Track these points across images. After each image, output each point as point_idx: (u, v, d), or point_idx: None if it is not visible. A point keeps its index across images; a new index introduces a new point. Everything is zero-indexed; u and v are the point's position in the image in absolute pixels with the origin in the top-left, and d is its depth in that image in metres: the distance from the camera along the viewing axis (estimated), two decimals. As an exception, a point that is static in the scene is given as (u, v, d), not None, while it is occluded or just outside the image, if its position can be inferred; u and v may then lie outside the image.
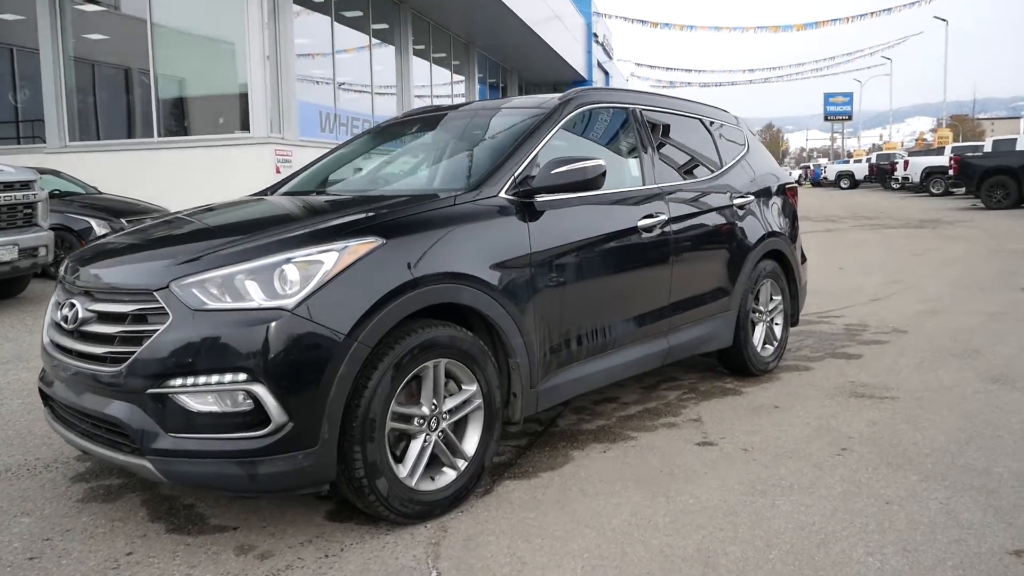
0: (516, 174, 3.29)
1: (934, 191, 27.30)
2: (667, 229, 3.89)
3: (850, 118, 61.18)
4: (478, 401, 3.01)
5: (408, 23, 18.78)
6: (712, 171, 4.48)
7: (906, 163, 29.63)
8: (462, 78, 24.24)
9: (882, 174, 34.67)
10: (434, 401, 2.86)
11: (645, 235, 3.75)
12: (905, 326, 6.12)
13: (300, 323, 2.50)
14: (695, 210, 4.15)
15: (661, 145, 4.21)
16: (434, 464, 2.93)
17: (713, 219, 4.28)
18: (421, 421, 2.83)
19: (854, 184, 39.85)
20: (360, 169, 4.13)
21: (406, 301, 2.70)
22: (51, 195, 10.73)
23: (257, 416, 2.49)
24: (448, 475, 2.93)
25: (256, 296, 2.53)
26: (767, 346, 4.83)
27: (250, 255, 2.61)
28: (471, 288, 2.93)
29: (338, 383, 2.54)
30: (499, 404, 3.08)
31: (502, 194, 3.21)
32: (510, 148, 3.40)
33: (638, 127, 4.03)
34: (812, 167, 52.78)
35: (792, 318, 5.09)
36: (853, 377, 4.64)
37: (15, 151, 14.23)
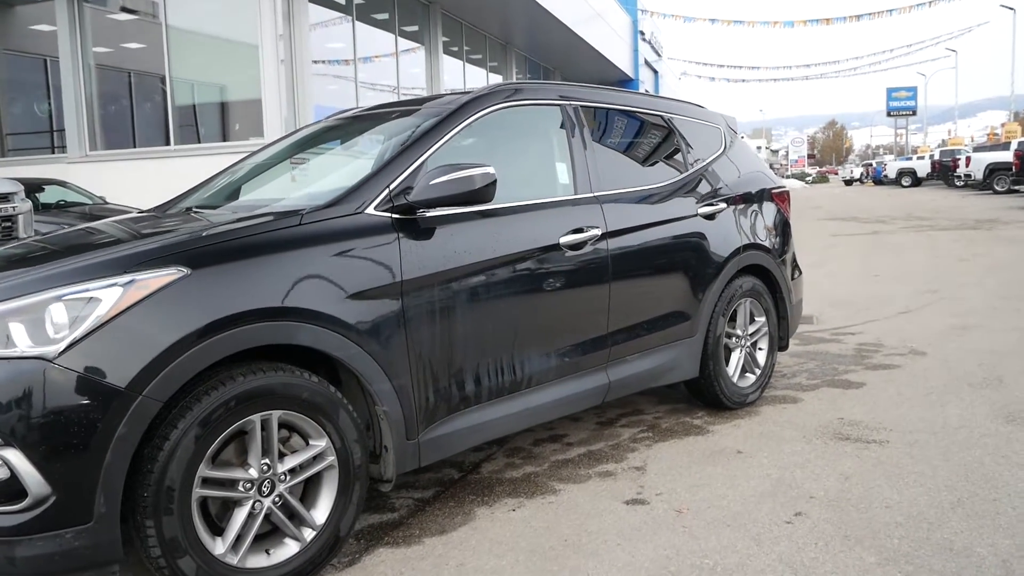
0: (392, 186, 2.77)
1: (998, 188, 25.68)
2: (603, 245, 3.32)
3: (914, 113, 58.49)
4: (330, 458, 2.51)
5: (439, 24, 18.40)
6: (674, 175, 3.88)
7: (968, 159, 27.98)
8: (499, 78, 23.79)
9: (945, 171, 32.92)
10: (266, 461, 2.37)
11: (571, 252, 3.19)
12: (926, 346, 5.39)
13: (63, 374, 2.04)
14: (645, 221, 3.57)
15: (605, 147, 3.64)
16: (275, 535, 2.45)
17: (670, 231, 3.69)
18: (248, 485, 2.34)
19: (916, 182, 38.00)
20: (251, 179, 3.65)
21: (214, 344, 2.21)
22: (57, 206, 10.67)
23: (11, 487, 2.04)
24: (290, 548, 2.44)
25: (21, 341, 2.07)
26: (747, 375, 4.20)
27: (18, 291, 2.16)
28: (312, 325, 2.43)
29: (116, 446, 2.07)
30: (360, 461, 2.57)
31: (370, 210, 2.70)
32: (388, 157, 2.89)
33: (573, 127, 3.46)
34: (874, 164, 50.74)
35: (781, 342, 4.44)
36: (845, 412, 3.99)
37: (39, 161, 14.32)
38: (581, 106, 3.55)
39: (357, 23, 15.62)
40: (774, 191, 4.45)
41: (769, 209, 4.38)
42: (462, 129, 3.06)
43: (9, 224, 7.51)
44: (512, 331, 3.01)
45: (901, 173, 39.10)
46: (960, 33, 50.91)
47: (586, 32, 24.10)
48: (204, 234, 2.42)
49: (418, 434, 2.76)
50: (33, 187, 10.06)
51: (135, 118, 14.77)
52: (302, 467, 2.48)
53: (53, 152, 16.10)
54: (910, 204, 23.26)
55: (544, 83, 3.58)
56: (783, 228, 4.48)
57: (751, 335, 4.22)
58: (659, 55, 38.16)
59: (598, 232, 3.29)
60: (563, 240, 3.16)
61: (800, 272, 4.71)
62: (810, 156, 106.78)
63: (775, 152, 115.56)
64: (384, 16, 16.86)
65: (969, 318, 6.31)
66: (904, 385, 4.44)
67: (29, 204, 7.99)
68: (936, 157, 36.13)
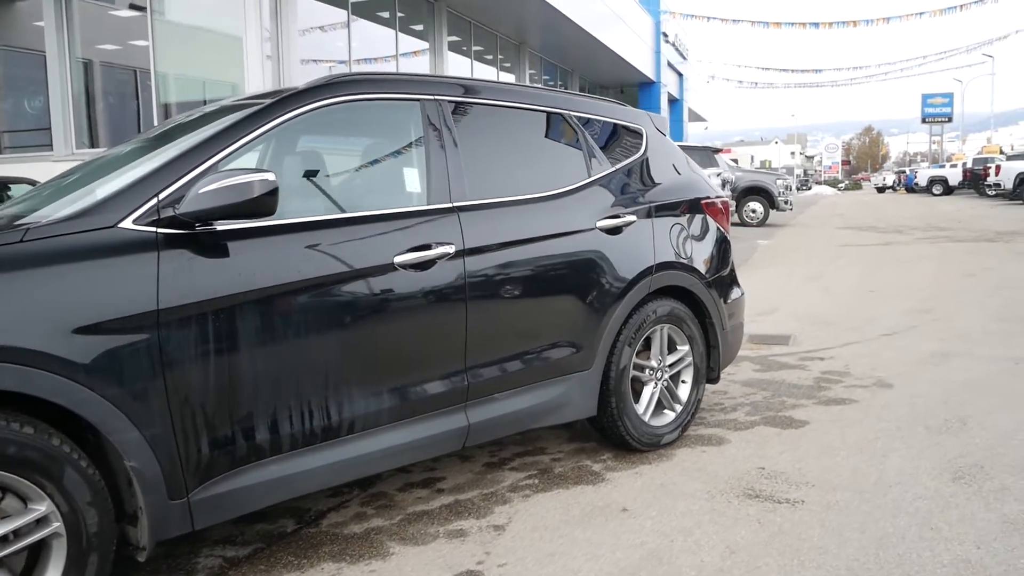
0: (162, 196, 2.29)
1: (1030, 198, 24.59)
2: (457, 264, 2.81)
3: (950, 120, 56.80)
4: (55, 525, 2.04)
5: (444, 23, 17.96)
6: (570, 183, 3.35)
7: (998, 168, 26.83)
8: (512, 78, 23.26)
9: (976, 180, 31.70)
10: (-47, 534, 1.91)
11: (412, 273, 2.69)
12: (896, 376, 4.80)
13: None
14: (520, 236, 3.05)
15: (480, 150, 3.14)
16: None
17: (555, 247, 3.17)
18: (-77, 564, 1.88)
19: (947, 190, 36.71)
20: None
21: None
22: None
23: None
24: (-12, 641, 1.97)
25: None
26: (664, 412, 3.66)
27: None
28: (17, 365, 1.96)
29: None
30: (98, 527, 2.10)
31: (127, 224, 2.23)
32: (162, 161, 2.41)
33: (436, 126, 2.95)
34: (907, 172, 49.37)
35: (710, 373, 3.89)
36: (770, 460, 3.43)
37: (27, 159, 14.13)
38: (451, 102, 3.05)
39: (357, 20, 15.23)
40: (706, 202, 3.90)
41: (698, 222, 3.83)
42: (272, 129, 2.58)
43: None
44: (325, 368, 2.52)
45: (932, 181, 37.83)
46: (997, 39, 49.23)
47: (603, 34, 23.51)
48: None
49: (187, 493, 2.28)
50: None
51: (123, 115, 14.53)
52: (17, 534, 2.01)
53: (51, 149, 15.97)
54: (934, 213, 22.33)
55: (403, 75, 3.08)
56: (717, 244, 3.92)
57: (670, 366, 3.68)
58: (684, 57, 37.37)
59: (450, 249, 2.79)
60: (399, 259, 2.66)
61: (742, 292, 4.15)
62: (845, 163, 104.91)
63: (809, 158, 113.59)
64: (386, 14, 16.48)
65: (955, 344, 5.69)
66: (851, 426, 3.86)
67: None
68: (969, 165, 34.88)
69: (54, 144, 13.64)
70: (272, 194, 2.26)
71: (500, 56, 22.34)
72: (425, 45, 17.88)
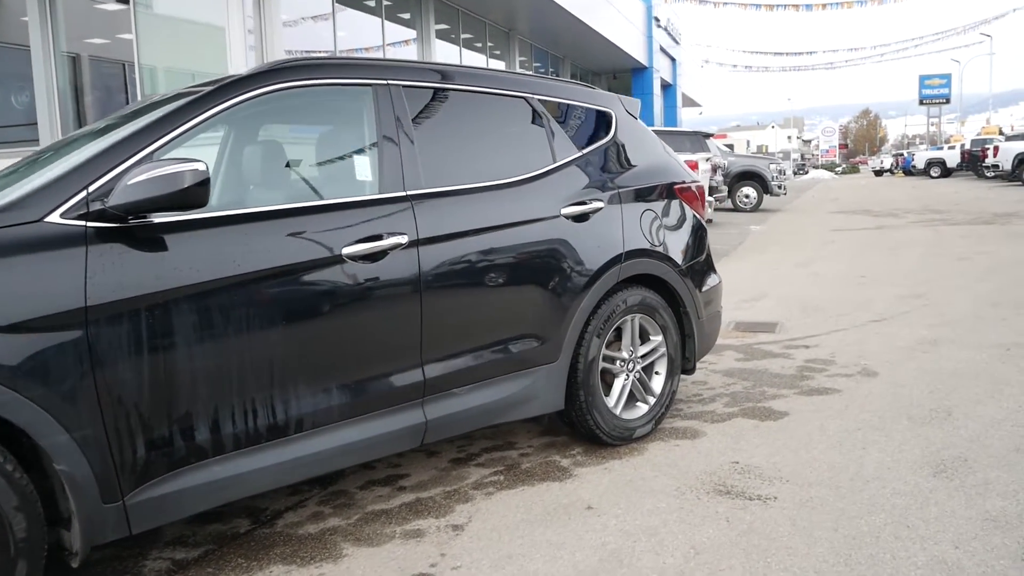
0: (92, 188, 2.17)
1: (1028, 180, 24.43)
2: (411, 255, 2.69)
3: (948, 101, 56.41)
4: (-30, 536, 1.93)
5: (431, 11, 17.75)
6: (532, 169, 3.22)
7: (996, 149, 26.65)
8: (503, 65, 23.04)
9: (974, 161, 31.51)
10: None
11: (362, 265, 2.57)
12: (882, 364, 4.68)
13: None
14: (478, 225, 2.92)
15: (436, 136, 3.01)
16: None
17: (516, 236, 3.04)
18: None
19: (945, 172, 36.51)
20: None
21: None
22: None
23: None
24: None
25: None
26: (637, 405, 3.55)
27: None
28: None
29: None
30: (26, 533, 1.99)
31: (54, 218, 2.11)
32: (96, 152, 2.29)
33: (388, 112, 2.82)
34: (905, 155, 49.14)
35: (686, 364, 3.78)
36: (745, 454, 3.32)
37: (11, 155, 13.96)
38: (405, 87, 2.91)
39: (343, 10, 15.04)
40: (679, 187, 3.77)
41: (671, 208, 3.71)
42: (212, 117, 2.45)
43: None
44: (269, 365, 2.40)
45: (930, 163, 37.62)
46: (995, 18, 48.87)
47: (593, 20, 23.27)
48: None
49: (122, 496, 2.17)
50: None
51: (111, 109, 14.36)
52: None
53: (39, 144, 15.80)
54: (931, 196, 22.18)
55: (353, 59, 2.93)
56: (691, 231, 3.80)
57: (643, 357, 3.56)
58: (677, 42, 37.11)
59: (403, 240, 2.66)
60: (348, 251, 2.53)
61: (719, 280, 4.03)
62: (843, 146, 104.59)
63: (807, 142, 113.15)
64: (372, 3, 16.27)
65: (945, 329, 5.57)
66: (832, 418, 3.75)
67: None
68: (967, 147, 34.69)
69: (40, 139, 13.48)
70: (203, 184, 2.14)
71: (490, 44, 22.12)
72: (413, 34, 17.68)
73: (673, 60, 37.13)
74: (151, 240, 2.21)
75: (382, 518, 2.85)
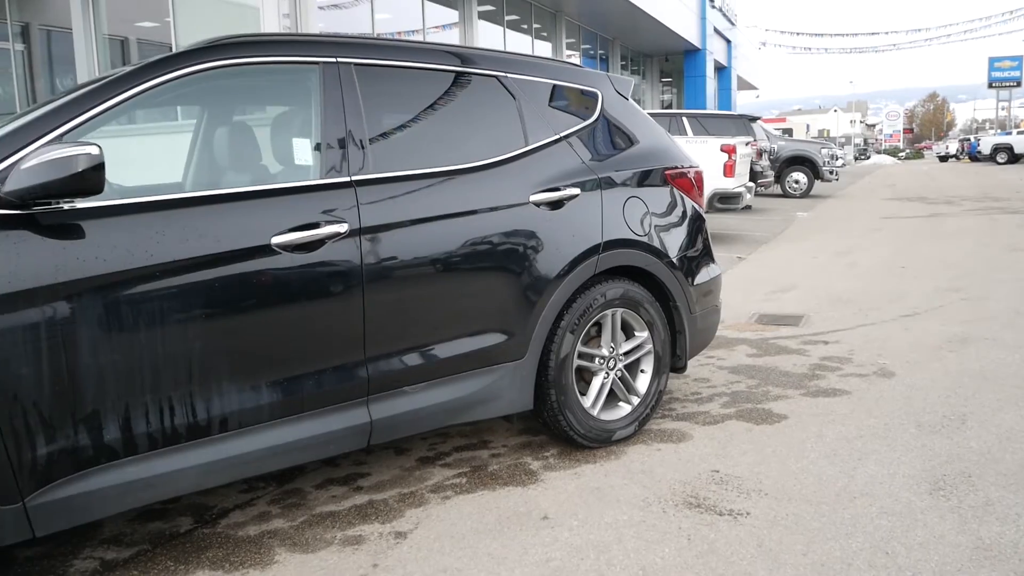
0: None
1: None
2: (351, 244, 2.51)
3: (1018, 84, 53.73)
4: None
5: (475, -10, 17.49)
6: (500, 153, 3.00)
7: (1068, 134, 25.27)
8: (549, 47, 22.68)
9: (1045, 147, 30.03)
10: None
11: (295, 255, 2.40)
12: (902, 364, 4.36)
13: None
14: (432, 213, 2.72)
15: (392, 118, 2.82)
16: None
17: (476, 224, 2.83)
18: None
19: (1013, 158, 34.83)
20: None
21: None
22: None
23: None
24: None
25: None
26: (619, 405, 3.33)
27: None
28: None
29: None
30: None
31: None
32: (2, 134, 2.16)
33: (334, 92, 2.63)
34: (971, 140, 47.15)
35: (677, 362, 3.54)
36: (728, 462, 3.08)
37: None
38: (358, 65, 2.73)
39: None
40: (671, 172, 3.51)
41: (660, 195, 3.45)
42: (134, 96, 2.30)
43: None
44: (188, 360, 2.26)
45: (996, 149, 35.93)
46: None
47: (644, 0, 22.70)
48: None
49: (22, 498, 2.05)
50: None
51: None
52: None
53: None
54: (993, 183, 21.16)
55: (301, 36, 2.75)
56: (684, 220, 3.54)
57: (626, 355, 3.33)
58: (732, 23, 36.11)
59: (342, 228, 2.48)
60: (278, 240, 2.37)
61: (718, 272, 3.77)
62: (908, 131, 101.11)
63: (871, 127, 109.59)
64: (412, -20, 16.10)
65: (979, 326, 5.20)
66: (833, 422, 3.47)
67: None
68: (1037, 131, 33.04)
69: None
70: (98, 169, 2.00)
71: (536, 25, 21.79)
72: (455, 16, 17.48)
73: (728, 42, 36.16)
74: (55, 228, 2.08)
75: (327, 521, 2.70)
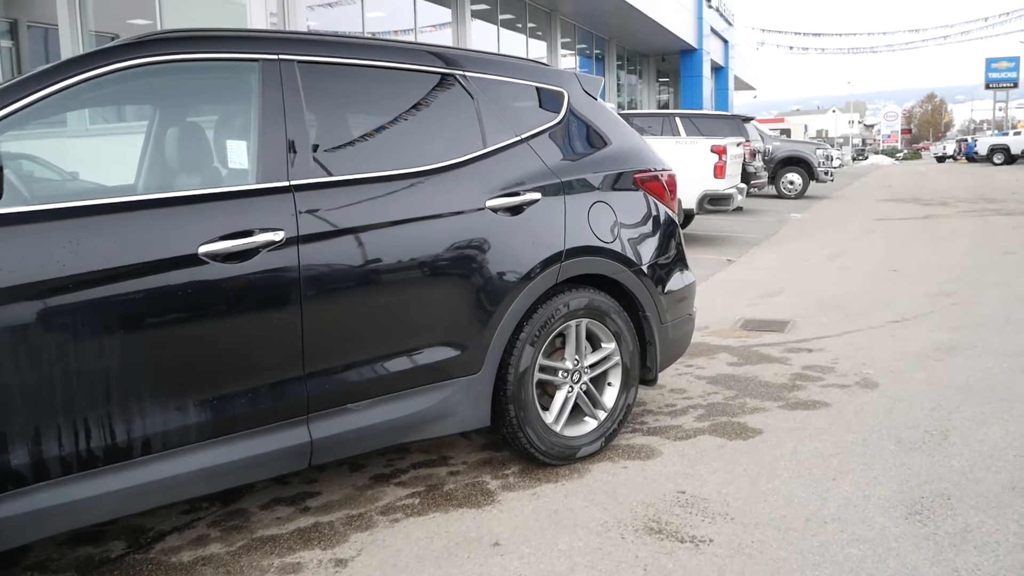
0: None
1: (1100, 168, 22.96)
2: (289, 253, 2.35)
3: (1015, 86, 53.54)
4: None
5: (467, -11, 17.33)
6: (456, 155, 2.84)
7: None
8: (543, 46, 22.50)
9: (1042, 148, 29.91)
10: None
11: (223, 265, 2.25)
12: (885, 374, 4.21)
13: None
14: (378, 219, 2.56)
15: (337, 118, 2.67)
16: None
17: (426, 231, 2.67)
18: None
19: (1009, 159, 34.71)
20: None
21: None
22: (21, 178, 10.28)
23: None
24: None
25: None
26: (585, 420, 3.18)
27: None
28: None
29: None
30: None
31: None
32: None
33: (274, 91, 2.47)
34: (968, 141, 47.05)
35: (647, 374, 3.39)
36: (694, 483, 2.92)
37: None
38: (301, 62, 2.57)
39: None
40: (641, 176, 3.36)
41: (629, 200, 3.30)
42: (52, 95, 2.14)
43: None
44: (104, 379, 2.10)
45: (993, 150, 35.82)
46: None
47: (640, 0, 22.54)
48: None
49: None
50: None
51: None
52: None
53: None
54: (989, 184, 21.03)
55: (239, 31, 2.58)
56: (655, 225, 3.39)
57: (592, 367, 3.18)
58: (729, 23, 35.95)
59: (278, 236, 2.33)
60: (205, 249, 2.22)
61: (691, 280, 3.61)
62: (906, 131, 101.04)
63: (869, 127, 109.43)
64: (403, -22, 15.93)
65: (968, 333, 5.05)
66: (809, 438, 3.32)
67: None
68: (1034, 132, 32.93)
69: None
70: (-12, 175, 1.84)
71: (531, 24, 21.62)
72: (448, 15, 17.31)
73: (725, 42, 36.01)
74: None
75: (267, 546, 2.55)
